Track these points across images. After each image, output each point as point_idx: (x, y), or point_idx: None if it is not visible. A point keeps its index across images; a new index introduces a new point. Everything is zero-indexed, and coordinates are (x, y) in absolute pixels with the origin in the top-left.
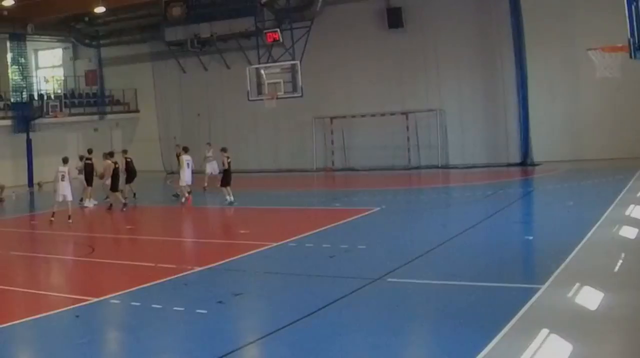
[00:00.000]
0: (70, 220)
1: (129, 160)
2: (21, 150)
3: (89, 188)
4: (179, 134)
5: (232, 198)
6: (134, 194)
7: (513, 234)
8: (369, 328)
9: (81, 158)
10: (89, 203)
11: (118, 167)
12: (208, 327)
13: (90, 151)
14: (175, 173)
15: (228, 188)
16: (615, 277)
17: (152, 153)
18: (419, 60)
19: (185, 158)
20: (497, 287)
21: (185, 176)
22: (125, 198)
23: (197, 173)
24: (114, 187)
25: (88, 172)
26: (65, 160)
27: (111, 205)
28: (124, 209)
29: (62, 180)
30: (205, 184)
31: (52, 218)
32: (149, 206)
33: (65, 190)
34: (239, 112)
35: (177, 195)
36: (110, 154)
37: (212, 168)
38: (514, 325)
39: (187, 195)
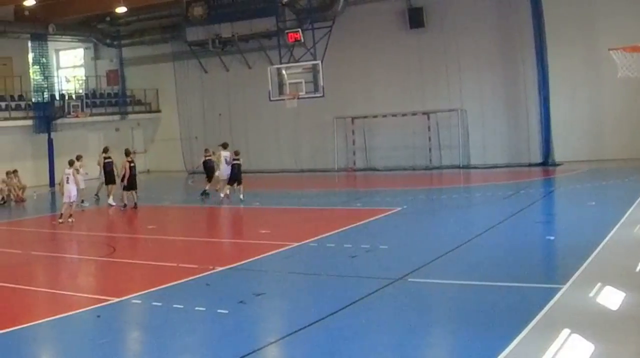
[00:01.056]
0: (72, 219)
1: (107, 160)
2: (42, 151)
3: (111, 186)
4: (200, 134)
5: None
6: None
7: (534, 234)
8: (390, 328)
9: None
10: (112, 202)
11: (134, 166)
12: (229, 327)
13: (106, 150)
14: (197, 173)
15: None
16: (637, 277)
17: (173, 153)
18: (440, 60)
19: (224, 154)
20: (518, 287)
21: (224, 171)
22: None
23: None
24: (129, 186)
25: (108, 171)
26: (70, 163)
27: (125, 204)
28: (123, 209)
29: (67, 182)
30: (218, 187)
31: (61, 221)
32: (170, 206)
33: (71, 192)
34: (260, 112)
35: (205, 194)
36: (126, 153)
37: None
38: (535, 325)
39: (227, 192)
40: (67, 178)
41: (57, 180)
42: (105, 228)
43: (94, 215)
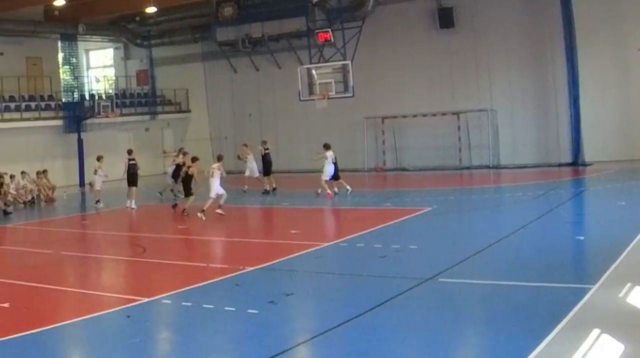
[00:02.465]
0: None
1: (132, 162)
2: (72, 150)
3: (133, 188)
4: (230, 133)
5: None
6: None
7: (564, 234)
8: (421, 328)
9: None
10: (132, 205)
11: (134, 164)
12: (259, 327)
13: (130, 152)
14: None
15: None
16: None
17: (204, 153)
18: (470, 61)
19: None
20: (548, 287)
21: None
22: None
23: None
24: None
25: (131, 173)
26: (219, 158)
27: (176, 204)
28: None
29: (212, 176)
30: (246, 187)
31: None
32: (200, 205)
33: (215, 187)
34: (290, 112)
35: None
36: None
37: (252, 170)
38: (565, 325)
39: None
40: (212, 172)
41: (86, 180)
42: (135, 228)
43: (123, 215)
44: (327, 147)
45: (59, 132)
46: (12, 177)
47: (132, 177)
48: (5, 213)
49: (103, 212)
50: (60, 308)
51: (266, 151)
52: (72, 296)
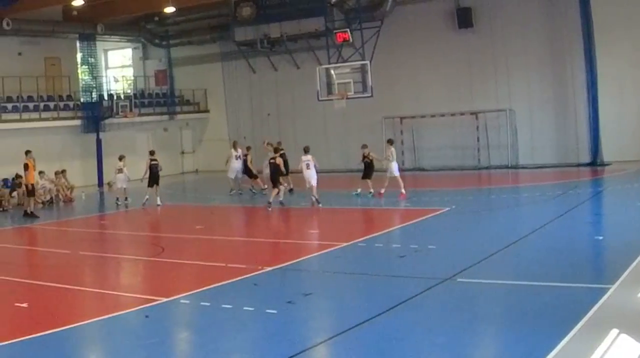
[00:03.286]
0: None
1: (153, 162)
2: (91, 150)
3: (156, 187)
4: (249, 133)
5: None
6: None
7: (583, 234)
8: (439, 328)
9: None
10: (158, 201)
11: (155, 164)
12: (278, 327)
13: (152, 152)
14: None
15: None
16: None
17: (222, 153)
18: (488, 61)
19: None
20: (566, 287)
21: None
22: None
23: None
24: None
25: (153, 172)
26: (305, 149)
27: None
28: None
29: (308, 168)
30: (265, 186)
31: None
32: (218, 206)
33: (311, 178)
34: (308, 112)
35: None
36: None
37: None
38: (584, 325)
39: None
40: (307, 164)
41: (105, 180)
42: (153, 228)
43: (142, 215)
44: (390, 142)
45: (78, 132)
46: (40, 173)
47: (154, 176)
48: (26, 214)
49: (121, 212)
50: (78, 308)
51: (282, 151)
52: (90, 296)
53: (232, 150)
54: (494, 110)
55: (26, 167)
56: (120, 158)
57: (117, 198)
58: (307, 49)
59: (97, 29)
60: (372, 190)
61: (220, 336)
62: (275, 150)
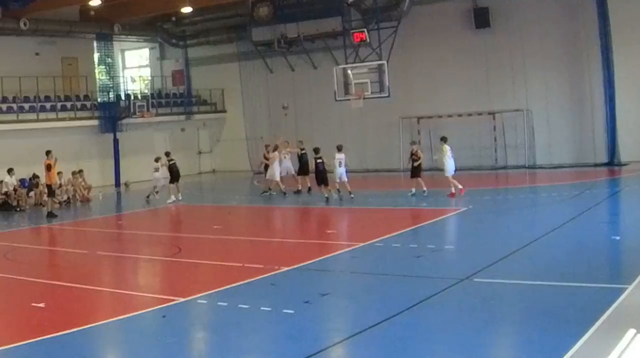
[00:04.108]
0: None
1: (172, 162)
2: (108, 150)
3: (176, 184)
4: (266, 133)
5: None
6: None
7: (600, 234)
8: (456, 328)
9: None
10: (179, 197)
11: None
12: (295, 327)
13: (168, 154)
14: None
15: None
16: None
17: (239, 153)
18: (505, 61)
19: (338, 156)
20: (583, 287)
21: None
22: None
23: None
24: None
25: (175, 171)
26: (339, 148)
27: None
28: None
29: (339, 166)
30: (283, 186)
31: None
32: (236, 206)
33: (341, 175)
34: (325, 112)
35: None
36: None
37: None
38: (601, 325)
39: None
40: (340, 162)
41: (122, 180)
42: (171, 228)
43: (159, 215)
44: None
45: (95, 132)
46: (59, 173)
47: (175, 174)
48: (49, 214)
49: (139, 212)
50: (95, 308)
51: (302, 152)
52: (107, 296)
53: (277, 152)
54: (511, 110)
55: (48, 167)
56: (157, 159)
57: (154, 194)
58: (324, 49)
59: (114, 29)
60: (425, 189)
61: (237, 336)
62: (316, 151)
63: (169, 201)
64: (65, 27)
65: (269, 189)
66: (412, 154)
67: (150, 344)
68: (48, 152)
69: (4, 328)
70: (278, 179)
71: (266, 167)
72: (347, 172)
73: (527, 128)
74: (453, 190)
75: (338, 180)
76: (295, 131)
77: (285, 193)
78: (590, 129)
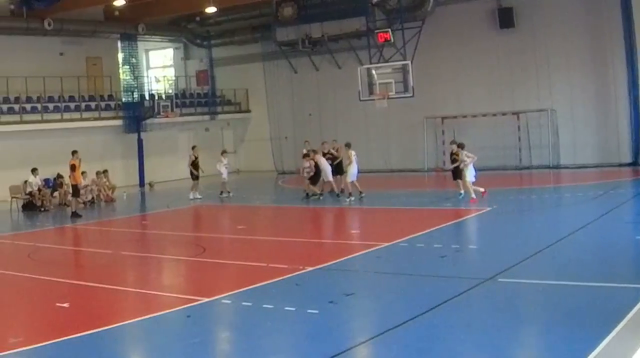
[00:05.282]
0: (230, 194)
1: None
2: (132, 150)
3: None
4: (290, 134)
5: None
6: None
7: (624, 234)
8: (480, 328)
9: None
10: (195, 196)
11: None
12: (319, 327)
13: (194, 147)
14: (287, 173)
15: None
16: None
17: (263, 153)
18: (529, 60)
19: (352, 153)
20: (607, 287)
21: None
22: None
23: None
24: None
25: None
26: (222, 152)
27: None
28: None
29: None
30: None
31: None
32: (260, 206)
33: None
34: (350, 112)
35: (315, 195)
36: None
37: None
38: (625, 325)
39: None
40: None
41: (146, 180)
42: (195, 228)
43: (183, 215)
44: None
45: (119, 132)
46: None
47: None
48: (74, 215)
49: (163, 212)
50: (119, 308)
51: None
52: (131, 296)
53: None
54: (535, 110)
55: (73, 167)
56: (222, 152)
57: (222, 192)
58: (348, 49)
59: (139, 29)
60: (462, 192)
61: (261, 336)
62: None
63: (192, 198)
64: (90, 27)
65: (320, 191)
66: (452, 154)
67: (175, 344)
68: (74, 152)
69: (29, 328)
70: (331, 178)
71: (317, 171)
72: (359, 171)
73: (551, 128)
74: (474, 196)
75: (329, 179)
76: (320, 131)
77: (338, 195)
78: (615, 128)
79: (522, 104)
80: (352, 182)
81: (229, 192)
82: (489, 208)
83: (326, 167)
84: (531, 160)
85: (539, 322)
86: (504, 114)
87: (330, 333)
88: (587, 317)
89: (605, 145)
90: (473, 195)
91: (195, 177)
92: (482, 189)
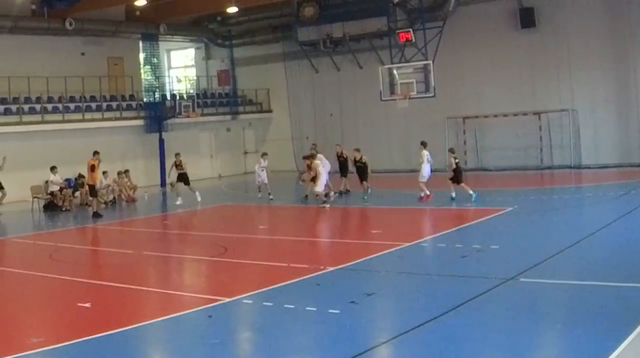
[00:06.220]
0: (271, 196)
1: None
2: (153, 150)
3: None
4: (311, 134)
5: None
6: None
7: None
8: (502, 328)
9: None
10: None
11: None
12: (340, 327)
13: (177, 154)
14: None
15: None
16: None
17: (285, 153)
18: (551, 60)
19: (425, 152)
20: (629, 287)
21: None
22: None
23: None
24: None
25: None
26: (424, 144)
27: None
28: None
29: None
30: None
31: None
32: (281, 206)
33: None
34: (371, 111)
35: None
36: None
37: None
38: None
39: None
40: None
41: (168, 180)
42: (216, 228)
43: (203, 215)
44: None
45: (140, 132)
46: (104, 173)
47: (184, 176)
48: (96, 215)
49: (185, 212)
50: (141, 308)
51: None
52: (153, 296)
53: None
54: (556, 110)
55: (92, 168)
56: (262, 155)
57: (269, 194)
58: (369, 49)
59: (160, 29)
60: (472, 192)
61: (282, 336)
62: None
63: (178, 203)
64: (111, 27)
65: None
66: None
67: (196, 344)
68: (95, 153)
69: (51, 328)
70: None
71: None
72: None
73: (572, 128)
74: (422, 194)
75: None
76: (341, 131)
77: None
78: (636, 128)
79: (544, 104)
80: (423, 182)
81: (269, 194)
82: (510, 209)
83: (323, 172)
84: (552, 160)
85: (560, 321)
86: (525, 114)
87: (351, 333)
88: (609, 317)
89: (626, 145)
90: (423, 194)
91: (179, 181)
92: (427, 192)
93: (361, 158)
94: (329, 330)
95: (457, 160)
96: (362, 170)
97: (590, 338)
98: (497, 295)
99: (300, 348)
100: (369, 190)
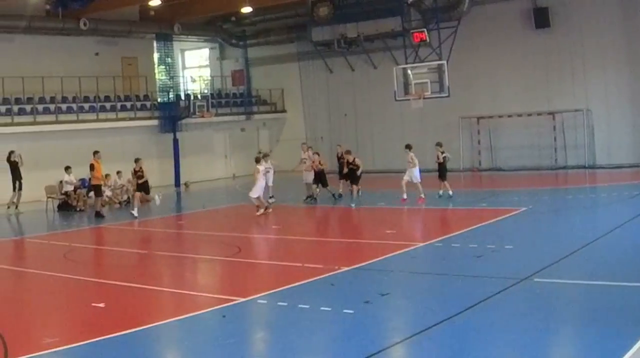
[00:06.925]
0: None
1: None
2: (167, 150)
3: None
4: (326, 134)
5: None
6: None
7: None
8: (516, 328)
9: None
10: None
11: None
12: (355, 327)
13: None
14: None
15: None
16: None
17: (299, 153)
18: (565, 60)
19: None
20: None
21: (417, 172)
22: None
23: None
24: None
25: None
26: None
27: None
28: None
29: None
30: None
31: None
32: (294, 206)
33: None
34: (385, 111)
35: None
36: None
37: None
38: None
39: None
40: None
41: (182, 180)
42: (230, 228)
43: (217, 215)
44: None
45: (154, 132)
46: (106, 176)
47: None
48: (98, 215)
49: (199, 212)
50: (155, 308)
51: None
52: (167, 296)
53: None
54: (571, 110)
55: (92, 167)
56: (264, 156)
57: (270, 197)
58: (384, 49)
59: (174, 29)
60: (450, 191)
61: (297, 336)
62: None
63: (133, 211)
64: (125, 27)
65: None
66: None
67: (210, 344)
68: (95, 153)
69: (65, 328)
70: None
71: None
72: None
73: (586, 128)
74: (405, 196)
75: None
76: (355, 131)
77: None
78: None
79: (558, 104)
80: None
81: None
82: (524, 209)
83: (260, 178)
84: (567, 160)
85: (574, 321)
86: (539, 114)
87: (366, 333)
88: (623, 317)
89: None
90: (404, 196)
91: (139, 189)
92: (404, 196)
93: (354, 160)
94: (343, 330)
95: (444, 154)
96: (353, 173)
97: (605, 337)
98: (512, 295)
99: (315, 348)
100: (360, 194)
